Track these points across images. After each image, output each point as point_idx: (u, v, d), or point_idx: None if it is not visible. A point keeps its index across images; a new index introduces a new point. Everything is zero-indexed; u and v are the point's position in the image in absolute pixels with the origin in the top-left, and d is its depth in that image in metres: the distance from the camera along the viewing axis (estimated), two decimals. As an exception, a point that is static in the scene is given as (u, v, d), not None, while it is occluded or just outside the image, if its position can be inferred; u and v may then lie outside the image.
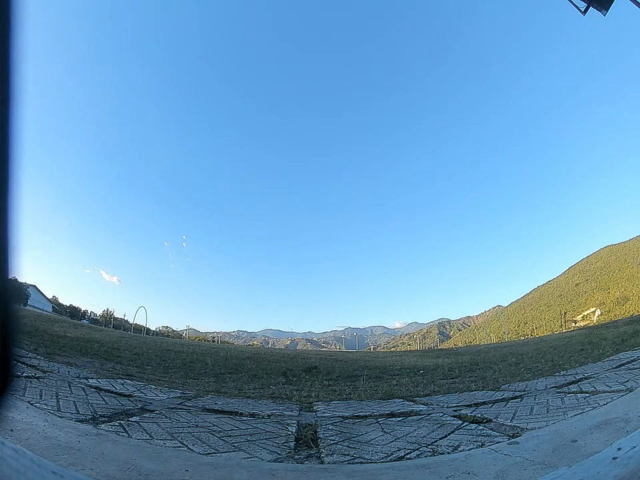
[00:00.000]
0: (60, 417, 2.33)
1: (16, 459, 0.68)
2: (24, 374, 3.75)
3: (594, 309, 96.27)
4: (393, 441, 2.51)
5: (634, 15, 6.11)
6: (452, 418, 3.16)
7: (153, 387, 4.48)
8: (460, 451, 2.29)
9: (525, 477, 1.77)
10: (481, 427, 2.80)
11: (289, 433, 2.58)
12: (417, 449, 2.34)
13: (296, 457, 2.02)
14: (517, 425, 2.77)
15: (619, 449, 1.05)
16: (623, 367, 5.01)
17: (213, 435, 2.34)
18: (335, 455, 2.13)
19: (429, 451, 2.30)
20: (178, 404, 3.47)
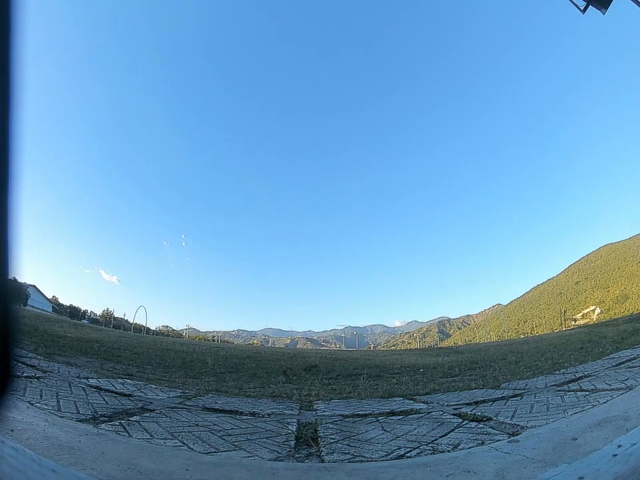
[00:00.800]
0: (60, 416, 2.33)
1: (16, 457, 0.68)
2: (24, 374, 3.75)
3: (594, 307, 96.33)
4: (393, 440, 2.51)
5: (633, 14, 6.11)
6: (452, 416, 3.16)
7: (153, 386, 4.49)
8: (460, 449, 2.29)
9: (525, 475, 1.78)
10: (480, 425, 2.80)
11: (289, 431, 2.58)
12: (417, 447, 2.34)
13: (296, 455, 2.02)
14: (517, 423, 2.77)
15: (619, 446, 1.05)
16: (623, 365, 5.01)
17: (213, 434, 2.34)
18: (335, 454, 2.13)
19: (429, 449, 2.31)
20: (178, 403, 3.47)
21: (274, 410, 3.42)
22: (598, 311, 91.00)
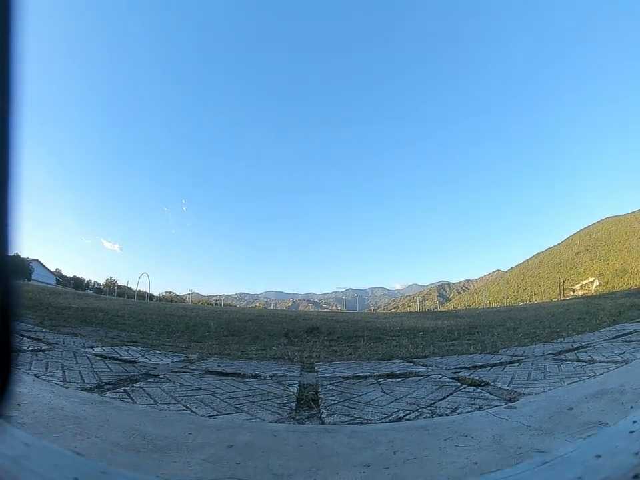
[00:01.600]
0: (66, 387, 2.37)
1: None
2: (30, 348, 3.79)
3: (593, 279, 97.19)
4: (392, 402, 2.57)
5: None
6: (450, 380, 3.23)
7: (157, 351, 4.59)
8: (458, 414, 2.34)
9: (522, 442, 1.80)
10: (478, 390, 2.86)
11: (290, 393, 2.64)
12: (416, 410, 2.39)
13: (297, 417, 2.07)
14: (514, 389, 2.82)
15: (634, 422, 1.02)
16: (619, 338, 5.06)
17: (216, 397, 2.39)
18: (335, 416, 2.18)
19: (428, 413, 2.35)
20: (182, 367, 3.56)
21: (275, 372, 3.51)
22: (597, 283, 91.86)
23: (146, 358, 4.03)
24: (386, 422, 2.19)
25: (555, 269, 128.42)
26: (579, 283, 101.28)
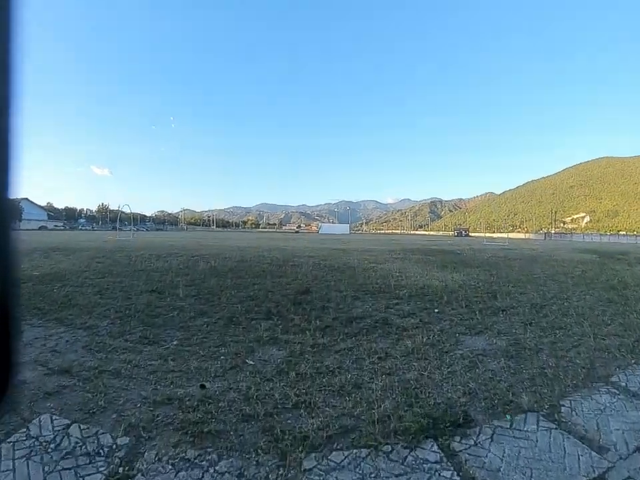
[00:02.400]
0: None
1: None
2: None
3: (584, 214, 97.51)
4: None
5: None
6: None
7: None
8: None
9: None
10: None
11: None
12: None
13: None
14: None
15: None
16: None
17: None
18: None
19: None
20: None
21: None
22: (587, 219, 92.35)
23: None
24: None
25: (548, 198, 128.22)
26: (569, 216, 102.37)
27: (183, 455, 2.26)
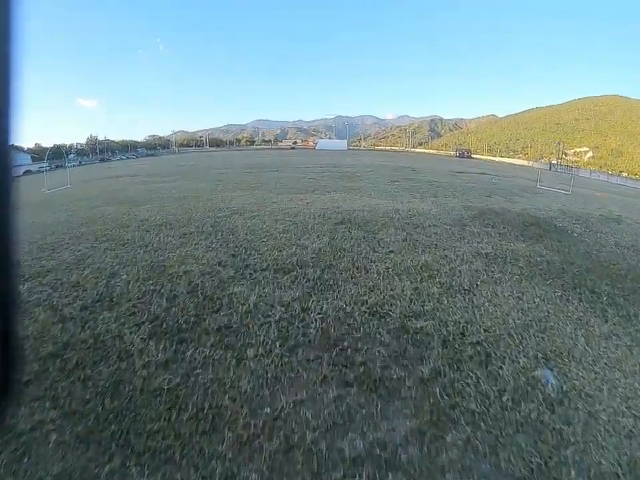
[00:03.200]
0: None
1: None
2: None
3: (587, 149, 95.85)
4: None
5: None
6: None
7: None
8: None
9: None
10: None
11: None
12: None
13: None
14: None
15: None
16: None
17: None
18: None
19: None
20: None
21: None
22: (590, 154, 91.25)
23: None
24: None
25: (552, 128, 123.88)
26: (572, 148, 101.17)
27: None
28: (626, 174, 65.02)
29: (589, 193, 24.06)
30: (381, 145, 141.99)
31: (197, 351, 3.82)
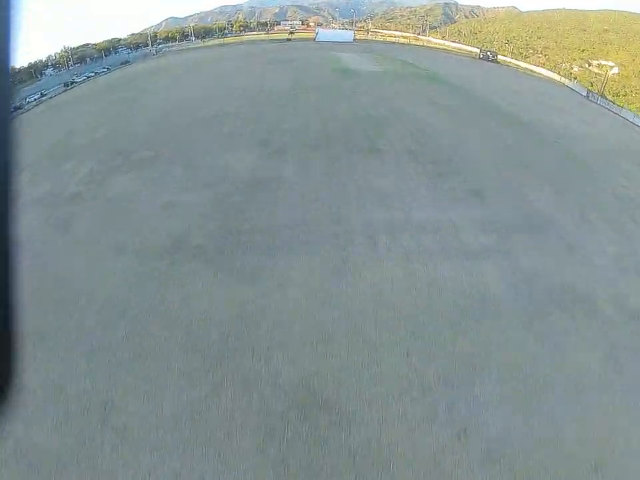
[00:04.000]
0: None
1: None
2: None
3: (613, 64, 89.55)
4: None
5: None
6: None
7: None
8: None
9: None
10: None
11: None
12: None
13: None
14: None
15: None
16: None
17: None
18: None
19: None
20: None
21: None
22: (616, 70, 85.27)
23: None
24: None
25: (577, 34, 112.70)
26: (597, 60, 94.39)
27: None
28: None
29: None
30: (389, 28, 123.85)
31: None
